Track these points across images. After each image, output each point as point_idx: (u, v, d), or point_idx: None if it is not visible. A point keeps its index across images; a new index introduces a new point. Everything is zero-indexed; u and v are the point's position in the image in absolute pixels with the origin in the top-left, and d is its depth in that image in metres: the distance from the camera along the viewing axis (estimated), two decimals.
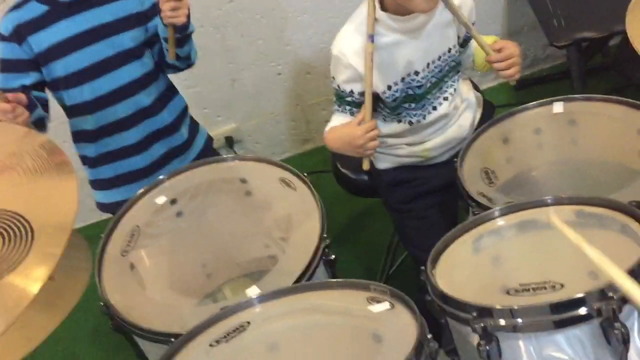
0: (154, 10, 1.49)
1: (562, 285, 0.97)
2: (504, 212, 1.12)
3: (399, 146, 1.51)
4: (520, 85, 2.45)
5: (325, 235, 1.28)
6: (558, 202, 1.10)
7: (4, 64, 1.47)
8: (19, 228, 0.78)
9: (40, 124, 1.45)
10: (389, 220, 1.93)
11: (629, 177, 1.29)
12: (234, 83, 2.23)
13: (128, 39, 1.50)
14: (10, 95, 1.31)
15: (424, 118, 1.46)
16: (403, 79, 1.40)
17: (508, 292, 0.99)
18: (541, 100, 1.45)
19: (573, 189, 1.43)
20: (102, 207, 1.71)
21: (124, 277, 1.33)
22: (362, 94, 1.38)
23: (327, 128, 1.45)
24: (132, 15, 1.49)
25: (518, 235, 1.11)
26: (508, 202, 1.17)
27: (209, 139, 1.76)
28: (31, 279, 0.75)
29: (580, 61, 1.99)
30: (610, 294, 0.88)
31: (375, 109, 1.42)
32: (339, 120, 1.44)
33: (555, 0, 1.95)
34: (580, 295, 0.89)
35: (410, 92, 1.42)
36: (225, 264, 1.59)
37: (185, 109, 1.68)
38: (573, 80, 2.02)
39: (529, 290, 0.97)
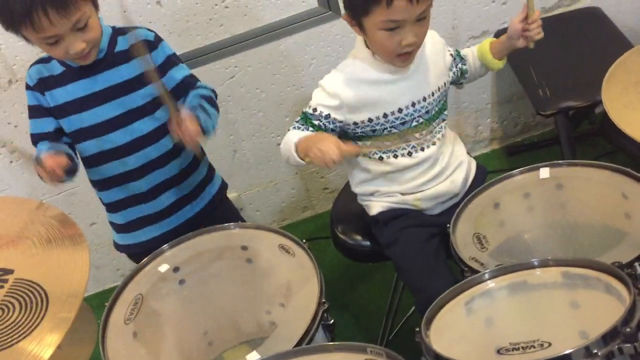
0: (166, 65, 1.57)
1: (549, 344, 1.00)
2: (494, 275, 1.16)
3: (392, 194, 1.57)
4: (511, 152, 2.53)
5: (324, 300, 1.32)
6: (545, 264, 1.14)
7: (31, 110, 1.57)
8: (35, 296, 0.82)
9: (72, 174, 1.51)
10: (388, 284, 1.97)
11: (615, 238, 1.33)
12: (235, 154, 2.31)
13: (138, 98, 1.56)
14: (49, 162, 1.39)
15: (410, 155, 1.52)
16: (385, 115, 1.48)
17: (499, 352, 1.02)
18: (528, 167, 1.51)
19: (562, 250, 1.47)
20: (117, 246, 1.76)
21: (128, 345, 1.35)
22: (335, 121, 1.46)
23: (294, 139, 1.43)
24: (142, 75, 1.54)
25: (509, 297, 1.15)
26: (498, 265, 1.22)
27: (223, 185, 1.80)
28: (43, 345, 0.77)
29: (568, 128, 2.05)
30: (595, 351, 0.91)
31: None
32: (295, 132, 1.46)
33: (540, 71, 2.03)
34: (566, 352, 0.92)
35: (394, 129, 1.50)
36: (226, 331, 1.61)
37: (197, 157, 1.71)
38: (562, 147, 2.07)
39: (518, 349, 1.00)
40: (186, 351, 1.54)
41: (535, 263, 1.14)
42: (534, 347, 1.00)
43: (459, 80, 1.64)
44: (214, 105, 1.60)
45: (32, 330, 0.78)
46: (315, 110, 1.47)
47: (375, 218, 1.60)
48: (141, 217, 1.68)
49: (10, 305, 0.83)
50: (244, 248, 1.53)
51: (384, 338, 1.92)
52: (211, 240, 1.56)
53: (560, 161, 1.50)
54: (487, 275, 1.16)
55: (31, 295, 0.81)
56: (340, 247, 1.76)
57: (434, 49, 1.53)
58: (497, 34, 2.25)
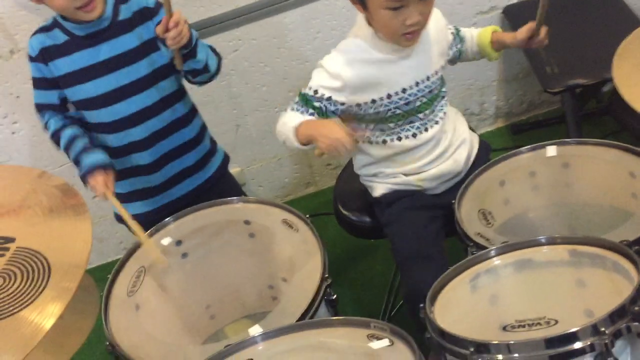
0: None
1: (556, 321, 1.00)
2: (500, 252, 1.15)
3: (396, 175, 1.55)
4: (516, 130, 2.51)
5: (327, 275, 1.31)
6: (552, 241, 1.13)
7: (35, 82, 1.57)
8: (37, 265, 0.81)
9: None
10: (390, 261, 1.96)
11: (621, 218, 1.32)
12: (239, 128, 2.29)
13: (142, 68, 1.55)
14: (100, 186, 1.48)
15: (414, 137, 1.51)
16: (389, 96, 1.46)
17: (505, 328, 1.02)
18: (535, 144, 1.49)
19: (568, 229, 1.47)
20: (118, 218, 1.75)
21: (130, 317, 1.35)
22: (337, 103, 1.42)
23: (293, 123, 1.39)
24: (145, 43, 1.54)
25: (514, 274, 1.14)
26: (504, 241, 1.21)
27: (226, 159, 1.80)
28: (45, 315, 0.77)
29: (574, 107, 2.03)
30: (603, 329, 0.91)
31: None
32: (294, 114, 1.42)
33: (548, 48, 2.00)
34: (573, 330, 0.91)
35: (398, 110, 1.48)
36: (228, 305, 1.62)
37: (201, 130, 1.72)
38: (568, 125, 2.06)
39: (524, 326, 1.00)
40: (188, 324, 1.55)
41: (543, 240, 1.13)
42: (540, 324, 1.00)
43: (455, 60, 1.62)
44: (216, 54, 1.61)
45: (34, 299, 0.78)
46: (316, 92, 1.43)
47: (378, 199, 1.59)
48: (143, 188, 1.68)
49: (11, 274, 0.82)
50: (247, 222, 1.53)
51: (385, 314, 1.92)
52: (214, 214, 1.56)
53: (568, 139, 1.49)
54: (492, 252, 1.15)
55: (33, 264, 0.80)
56: (343, 223, 1.75)
57: (437, 27, 1.50)
58: (505, 10, 2.23)
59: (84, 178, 1.50)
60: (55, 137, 1.58)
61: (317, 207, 2.41)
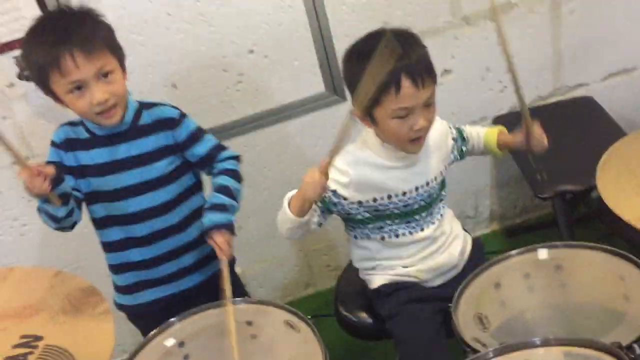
0: (191, 141, 1.65)
1: None
2: (497, 354, 1.18)
3: (394, 267, 1.62)
4: (510, 234, 2.58)
5: None
6: (547, 343, 1.16)
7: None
8: None
9: (65, 200, 1.53)
10: None
11: (615, 319, 1.35)
12: (240, 230, 2.33)
13: (154, 170, 1.62)
14: (34, 167, 1.41)
15: (411, 234, 1.59)
16: (390, 197, 1.55)
17: None
18: (526, 247, 1.55)
19: (564, 330, 1.47)
20: (118, 306, 1.78)
21: None
22: (340, 197, 1.52)
23: (288, 195, 1.51)
24: (161, 148, 1.62)
25: None
26: (501, 344, 1.24)
27: (232, 261, 1.80)
28: None
29: (565, 212, 2.10)
30: None
31: (356, 227, 1.59)
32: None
33: (537, 156, 2.10)
34: None
35: (397, 210, 1.56)
36: None
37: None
38: (560, 230, 2.12)
39: None
40: None
41: (537, 342, 1.17)
42: None
43: (459, 159, 1.72)
44: (237, 178, 1.69)
45: None
46: None
47: (376, 290, 1.63)
48: (143, 280, 1.72)
49: None
50: (249, 323, 1.55)
51: None
52: (217, 315, 1.58)
53: (557, 242, 1.55)
54: (490, 354, 1.18)
55: None
56: (343, 324, 1.77)
57: (438, 133, 1.61)
58: (495, 120, 2.35)
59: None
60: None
61: (316, 308, 2.43)
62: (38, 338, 0.88)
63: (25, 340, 0.89)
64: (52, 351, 0.86)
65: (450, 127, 1.68)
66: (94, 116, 1.53)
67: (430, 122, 1.48)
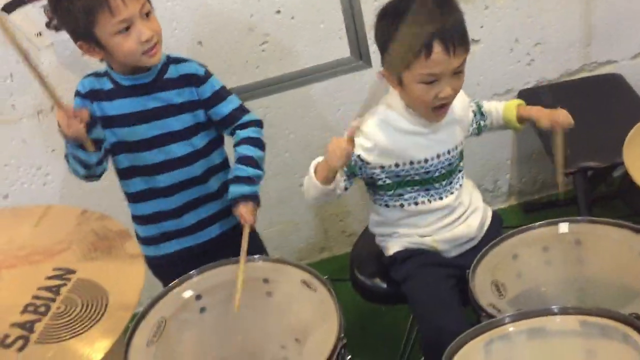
0: (214, 99, 1.66)
1: None
2: (514, 319, 1.19)
3: (411, 235, 1.62)
4: (528, 209, 2.57)
5: (342, 335, 1.35)
6: (564, 311, 1.17)
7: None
8: (97, 296, 0.86)
9: (98, 146, 1.57)
10: (402, 329, 1.98)
11: (630, 296, 1.36)
12: (259, 191, 2.36)
13: (178, 123, 1.64)
14: (71, 108, 1.47)
15: (430, 202, 1.59)
16: (412, 163, 1.55)
17: None
18: (548, 220, 1.55)
19: (579, 305, 1.49)
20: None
21: None
22: (363, 161, 1.52)
23: (312, 167, 1.51)
24: (184, 104, 1.64)
25: (527, 341, 1.17)
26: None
27: None
28: (94, 348, 0.81)
29: (586, 189, 2.09)
30: None
31: (376, 193, 1.60)
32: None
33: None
34: None
35: (417, 177, 1.56)
36: None
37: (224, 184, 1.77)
38: (579, 207, 2.11)
39: None
40: None
41: (555, 310, 1.17)
42: None
43: (476, 133, 1.71)
44: (260, 146, 1.71)
45: (87, 330, 0.82)
46: None
47: (392, 257, 1.64)
48: (166, 232, 1.75)
49: (73, 302, 0.87)
50: (266, 281, 1.56)
51: None
52: (235, 271, 1.60)
53: (579, 217, 1.55)
54: (507, 319, 1.19)
55: (94, 295, 0.85)
56: (358, 288, 1.79)
57: (462, 105, 1.61)
58: (520, 94, 2.33)
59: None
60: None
61: (330, 273, 2.38)
62: (71, 272, 0.90)
63: (58, 272, 0.91)
64: (85, 285, 0.88)
65: (470, 101, 1.67)
66: (140, 57, 1.54)
67: (456, 91, 1.47)
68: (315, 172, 1.50)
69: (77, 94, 1.64)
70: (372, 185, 1.62)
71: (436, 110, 1.48)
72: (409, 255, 1.62)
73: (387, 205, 1.62)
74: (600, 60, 2.37)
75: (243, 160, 1.67)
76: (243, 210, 1.62)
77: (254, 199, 1.66)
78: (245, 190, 1.64)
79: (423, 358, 1.60)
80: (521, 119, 1.67)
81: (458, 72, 1.44)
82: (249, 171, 1.67)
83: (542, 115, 1.61)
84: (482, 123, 1.69)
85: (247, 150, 1.68)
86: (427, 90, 1.44)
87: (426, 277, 1.57)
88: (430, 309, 1.52)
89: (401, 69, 1.42)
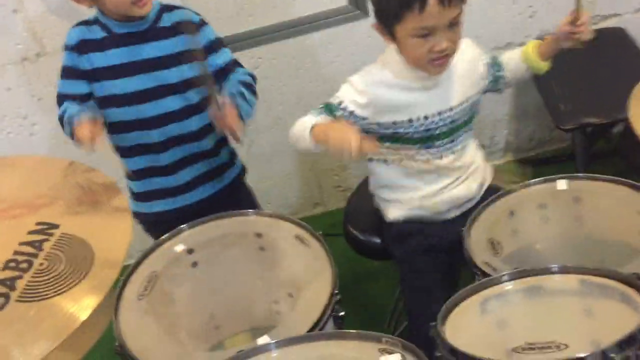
0: (208, 50, 1.60)
1: (566, 346, 1.02)
2: (512, 277, 1.17)
3: (411, 201, 1.58)
4: (524, 165, 2.55)
5: (337, 292, 1.33)
6: (564, 270, 1.15)
7: (64, 71, 1.59)
8: (81, 252, 0.83)
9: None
10: (393, 284, 1.97)
11: (629, 254, 1.34)
12: (252, 144, 2.32)
13: (172, 75, 1.59)
14: (86, 132, 1.40)
15: (428, 161, 1.54)
16: (410, 120, 1.49)
17: (515, 350, 1.03)
18: (546, 177, 1.52)
19: (576, 263, 1.48)
20: (132, 213, 1.77)
21: (140, 320, 1.36)
22: (358, 118, 1.46)
23: (313, 121, 1.41)
24: (178, 53, 1.58)
25: (524, 300, 1.16)
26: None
27: (243, 171, 1.85)
28: (81, 306, 0.78)
29: (584, 145, 2.07)
30: (612, 356, 0.93)
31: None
32: (312, 117, 1.43)
33: (562, 85, 2.05)
34: (583, 355, 0.93)
35: (416, 135, 1.51)
36: (233, 317, 1.62)
37: (219, 141, 1.74)
38: (577, 163, 2.09)
39: (534, 349, 1.02)
40: (193, 333, 1.55)
41: (555, 269, 1.15)
42: (551, 347, 1.01)
43: (494, 87, 1.64)
44: (253, 92, 1.63)
45: (73, 287, 0.79)
46: (341, 103, 1.47)
47: (390, 225, 1.62)
48: (159, 189, 1.72)
49: (56, 258, 0.84)
50: (259, 235, 1.54)
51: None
52: (227, 225, 1.57)
53: (579, 174, 1.52)
54: (505, 277, 1.17)
55: (78, 251, 0.82)
56: (351, 242, 1.77)
57: (468, 58, 1.53)
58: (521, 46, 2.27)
59: (72, 133, 1.46)
60: (61, 115, 1.56)
61: (324, 228, 2.37)
62: (54, 226, 0.87)
63: (40, 227, 0.88)
64: (68, 240, 0.85)
65: (482, 53, 1.60)
66: (129, 6, 1.49)
67: (454, 43, 1.41)
68: (311, 130, 1.40)
69: (66, 47, 1.58)
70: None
71: (433, 62, 1.41)
72: (407, 232, 1.58)
73: (385, 161, 1.58)
74: (604, 13, 2.31)
75: (235, 84, 1.60)
76: (230, 111, 1.49)
77: (240, 110, 1.53)
78: (235, 96, 1.54)
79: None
80: (541, 52, 1.56)
81: (454, 24, 1.38)
82: (244, 91, 1.59)
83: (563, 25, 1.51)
84: (498, 74, 1.60)
85: (239, 86, 1.60)
86: (422, 44, 1.38)
87: (420, 265, 1.56)
88: (419, 298, 1.53)
89: (392, 22, 1.37)
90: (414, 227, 1.58)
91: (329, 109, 1.47)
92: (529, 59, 1.58)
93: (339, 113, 1.46)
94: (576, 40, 1.50)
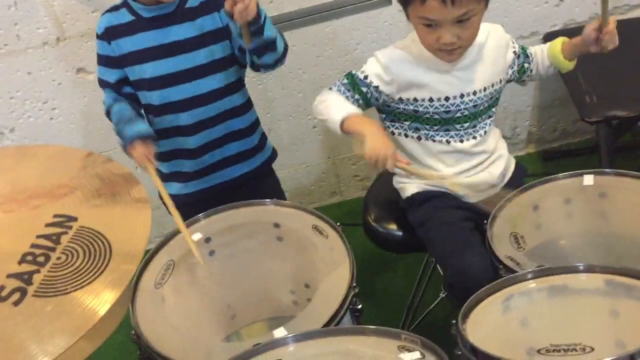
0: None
1: (592, 349, 0.99)
2: (536, 275, 1.15)
3: (432, 176, 1.56)
4: (547, 157, 2.51)
5: (354, 284, 1.32)
6: (590, 269, 1.12)
7: (99, 58, 1.61)
8: (99, 246, 0.82)
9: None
10: (412, 278, 1.96)
11: None
12: (270, 132, 2.30)
13: (202, 57, 1.58)
14: (140, 154, 1.47)
15: (448, 143, 1.53)
16: (431, 99, 1.48)
17: (539, 352, 1.01)
18: (572, 172, 1.48)
19: (600, 260, 1.45)
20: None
21: (156, 309, 1.36)
22: (382, 93, 1.46)
23: (344, 112, 1.41)
24: (206, 33, 1.57)
25: (548, 299, 1.13)
26: (538, 266, 1.20)
27: (273, 157, 1.83)
28: (101, 300, 0.77)
29: (609, 138, 2.03)
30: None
31: (395, 123, 1.54)
32: (339, 98, 1.46)
33: (588, 77, 2.00)
34: (610, 359, 0.90)
35: (437, 116, 1.50)
36: (250, 306, 1.62)
37: (252, 125, 1.73)
38: (601, 156, 2.05)
39: (559, 350, 0.99)
40: (209, 322, 1.55)
41: (581, 268, 1.13)
42: (576, 350, 0.99)
43: (519, 78, 1.62)
44: (284, 39, 1.58)
45: (92, 281, 0.78)
46: (366, 77, 1.47)
47: (409, 199, 1.59)
48: (184, 171, 1.71)
49: (74, 252, 0.83)
50: (277, 225, 1.53)
51: (404, 329, 1.91)
52: (246, 214, 1.56)
53: (606, 169, 1.48)
54: (529, 275, 1.15)
55: (96, 245, 0.81)
56: (371, 235, 1.75)
57: (496, 44, 1.52)
58: (546, 37, 2.23)
59: (125, 149, 1.52)
60: (108, 113, 1.61)
61: (340, 217, 2.40)
62: (72, 219, 0.85)
63: (58, 220, 0.87)
64: (86, 233, 0.84)
65: (513, 42, 1.58)
66: None
67: (464, 39, 1.38)
68: (346, 119, 1.39)
69: (97, 36, 1.59)
70: (390, 113, 1.55)
71: (442, 52, 1.41)
72: (428, 197, 1.56)
73: (406, 136, 1.55)
74: (632, 2, 2.25)
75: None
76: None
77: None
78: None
79: (443, 294, 1.56)
80: (567, 52, 1.55)
81: (463, 20, 1.35)
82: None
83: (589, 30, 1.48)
84: (525, 65, 1.59)
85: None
86: (429, 32, 1.38)
87: (445, 218, 1.52)
88: (452, 250, 1.47)
89: (403, 4, 1.38)
90: (434, 193, 1.56)
91: (353, 83, 1.48)
92: (555, 56, 1.57)
93: (364, 88, 1.47)
94: (602, 47, 1.49)
